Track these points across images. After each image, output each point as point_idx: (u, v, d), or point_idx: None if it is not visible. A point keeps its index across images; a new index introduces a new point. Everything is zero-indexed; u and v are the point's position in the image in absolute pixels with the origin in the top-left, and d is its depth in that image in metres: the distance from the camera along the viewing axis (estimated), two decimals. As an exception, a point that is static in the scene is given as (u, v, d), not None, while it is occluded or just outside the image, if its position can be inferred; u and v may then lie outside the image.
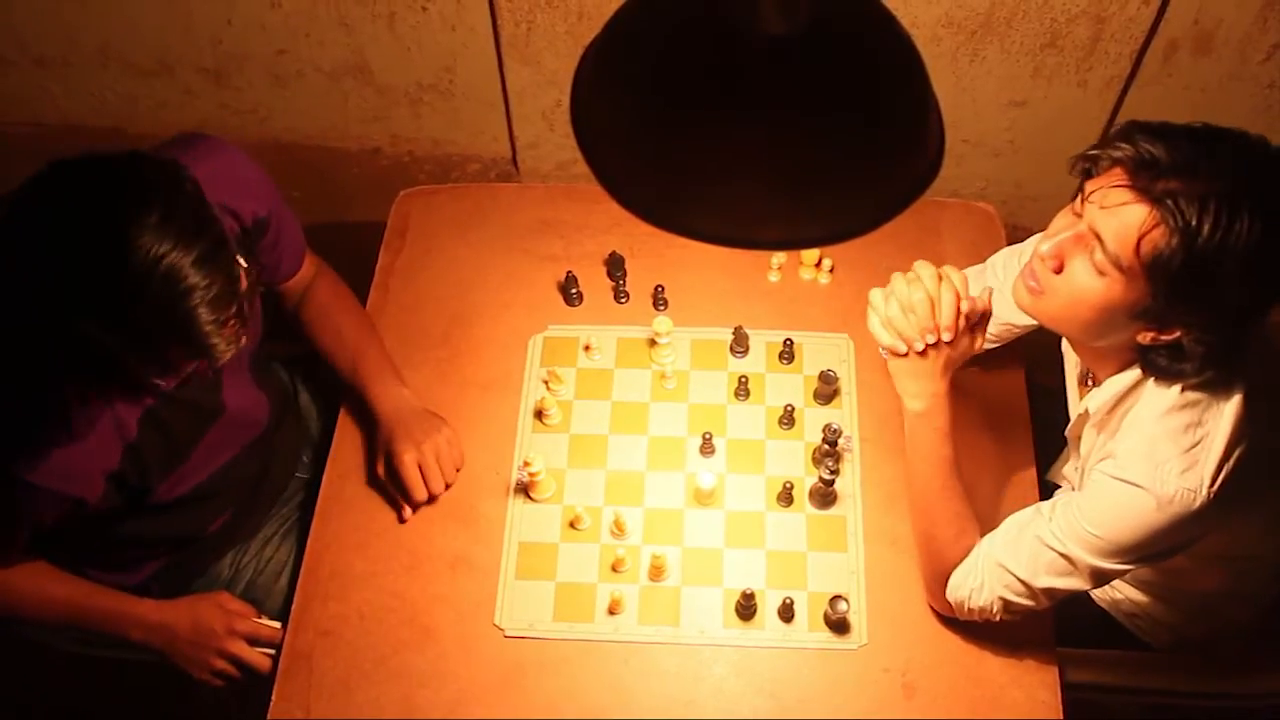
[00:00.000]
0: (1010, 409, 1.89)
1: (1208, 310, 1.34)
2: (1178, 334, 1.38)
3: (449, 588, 1.75)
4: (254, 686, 1.77)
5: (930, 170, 1.07)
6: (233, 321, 1.36)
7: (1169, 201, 1.28)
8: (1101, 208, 1.35)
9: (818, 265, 2.03)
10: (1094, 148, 1.38)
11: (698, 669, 1.69)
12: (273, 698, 1.68)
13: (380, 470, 1.80)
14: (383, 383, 1.85)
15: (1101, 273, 1.37)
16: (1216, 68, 2.29)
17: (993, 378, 1.92)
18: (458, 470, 1.83)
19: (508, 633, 1.71)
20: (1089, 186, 1.38)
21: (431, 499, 1.80)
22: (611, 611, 1.72)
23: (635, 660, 1.69)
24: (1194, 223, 1.27)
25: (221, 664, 1.78)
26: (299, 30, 2.43)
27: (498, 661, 1.69)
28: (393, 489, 1.80)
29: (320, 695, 1.68)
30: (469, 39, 2.39)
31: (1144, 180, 1.31)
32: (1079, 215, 1.40)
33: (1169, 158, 1.30)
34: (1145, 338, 1.41)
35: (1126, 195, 1.32)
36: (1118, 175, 1.34)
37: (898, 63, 1.04)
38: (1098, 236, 1.36)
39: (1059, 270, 1.42)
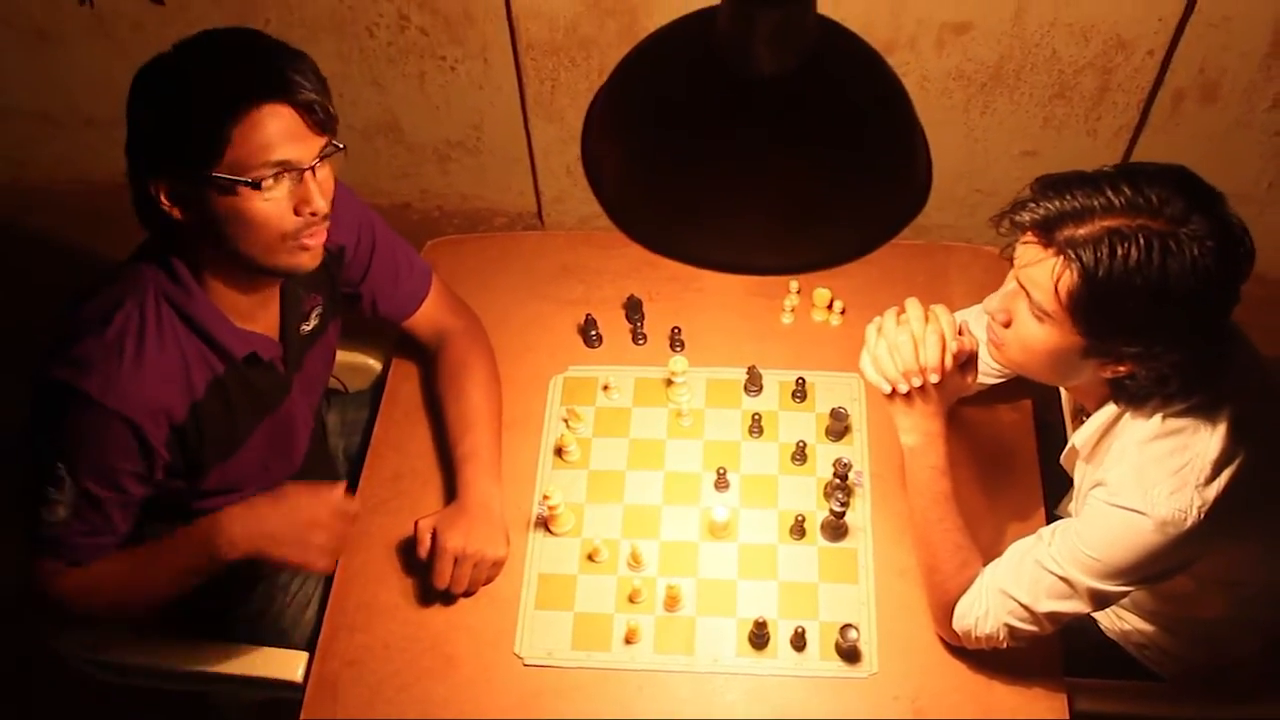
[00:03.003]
0: (1018, 445, 1.94)
1: (1138, 338, 1.43)
2: (1128, 366, 1.47)
3: (471, 617, 1.80)
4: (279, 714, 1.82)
5: (918, 199, 1.14)
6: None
7: (1070, 250, 1.39)
8: (1021, 266, 1.47)
9: (829, 307, 2.09)
10: (1004, 212, 1.48)
11: (712, 697, 1.73)
12: (299, 725, 1.73)
13: (423, 529, 1.79)
14: (481, 470, 1.87)
15: (1040, 320, 1.47)
16: (1223, 116, 2.34)
17: (1001, 414, 1.97)
18: (483, 584, 1.84)
19: (527, 661, 1.76)
20: (1016, 248, 1.50)
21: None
22: (628, 641, 1.76)
23: (651, 688, 1.74)
24: (1091, 262, 1.37)
25: (333, 543, 1.73)
26: (333, 90, 2.50)
27: (517, 689, 1.74)
28: (418, 554, 1.81)
29: (345, 722, 1.73)
30: (496, 97, 2.48)
31: (1048, 234, 1.42)
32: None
33: (1065, 207, 1.41)
34: (1105, 373, 1.50)
35: (1037, 251, 1.44)
36: (1030, 233, 1.45)
37: (885, 99, 1.10)
38: (1026, 291, 1.47)
39: (1008, 324, 1.54)
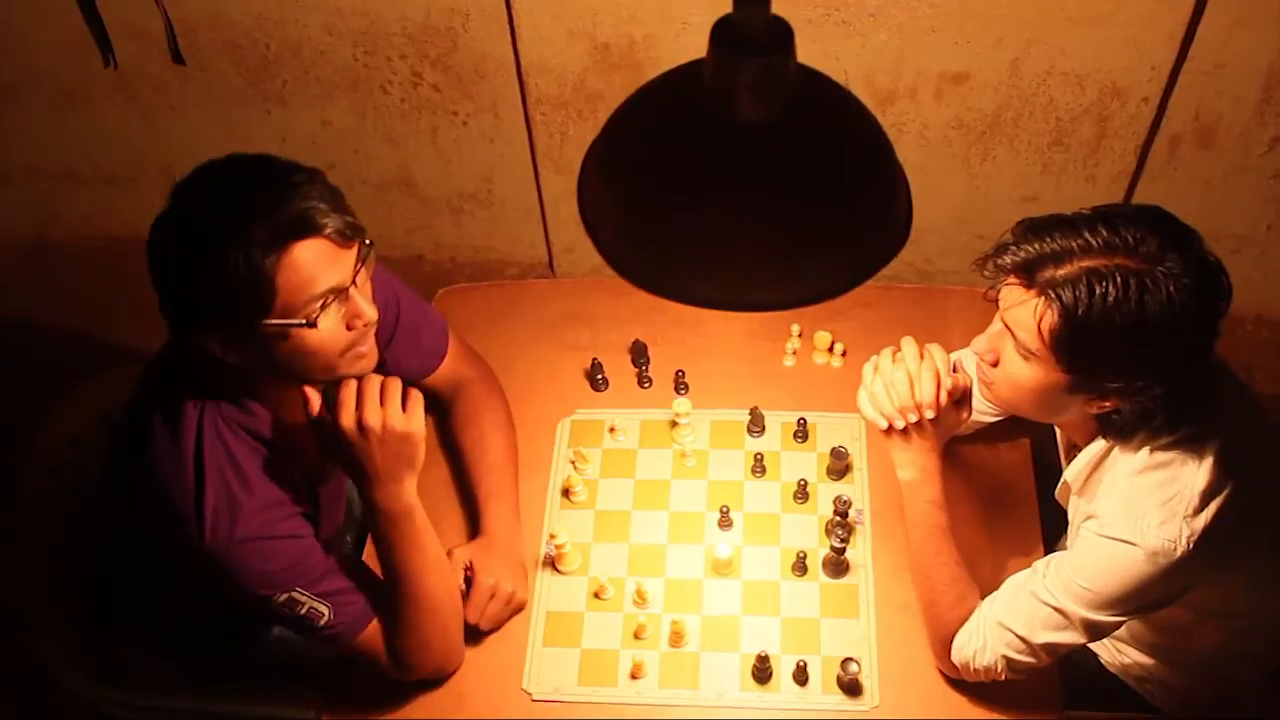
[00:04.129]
0: (1016, 483, 1.97)
1: (1120, 374, 1.47)
2: (1113, 401, 1.51)
3: (480, 655, 1.83)
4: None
5: (900, 236, 1.18)
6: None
7: (1050, 290, 1.44)
8: (1006, 308, 1.52)
9: (830, 350, 2.14)
10: (988, 255, 1.53)
11: (716, 731, 1.76)
12: (314, 760, 1.77)
13: (458, 561, 1.83)
14: (502, 507, 1.92)
15: (1025, 359, 1.52)
16: (1220, 161, 2.38)
17: (1000, 453, 2.01)
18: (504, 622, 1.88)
19: (535, 697, 1.79)
20: (1000, 289, 1.55)
21: None
22: (634, 676, 1.79)
23: (656, 722, 1.77)
24: (1071, 301, 1.42)
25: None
26: (348, 146, 2.61)
27: (525, 724, 1.78)
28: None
29: (359, 757, 1.77)
30: (506, 150, 2.55)
31: (1029, 275, 1.47)
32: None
33: (1044, 250, 1.45)
34: (1092, 408, 1.54)
35: (1020, 293, 1.49)
36: (1012, 276, 1.50)
37: (865, 142, 1.15)
38: (1011, 331, 1.52)
39: (995, 364, 1.59)
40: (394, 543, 1.67)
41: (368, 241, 1.56)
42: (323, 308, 1.51)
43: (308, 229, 1.47)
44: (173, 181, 2.70)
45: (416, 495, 1.67)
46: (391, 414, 1.58)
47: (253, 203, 1.47)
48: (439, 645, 1.76)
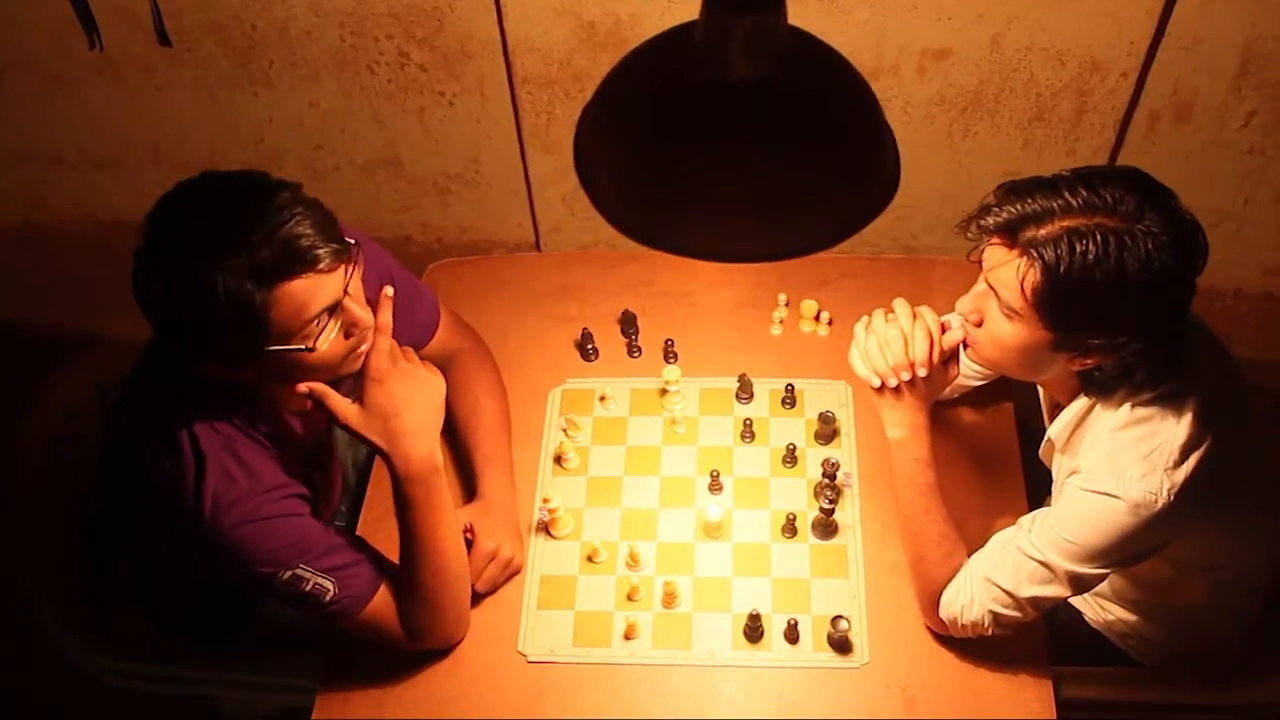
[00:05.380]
0: (1001, 445, 2.01)
1: (1102, 330, 1.51)
2: (1095, 358, 1.55)
3: (475, 618, 1.85)
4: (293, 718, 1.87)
5: (888, 190, 1.21)
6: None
7: (1033, 250, 1.47)
8: (989, 268, 1.55)
9: (816, 318, 2.17)
10: (970, 217, 1.57)
11: (709, 689, 1.79)
12: (311, 723, 1.79)
13: (460, 521, 1.83)
14: (499, 472, 1.94)
15: (1009, 318, 1.55)
16: (1198, 135, 2.40)
17: (984, 416, 2.05)
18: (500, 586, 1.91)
19: (530, 658, 1.82)
20: (983, 251, 1.58)
21: None
22: (627, 637, 1.82)
23: (650, 682, 1.80)
24: (1053, 260, 1.45)
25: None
26: (335, 127, 2.61)
27: (521, 685, 1.80)
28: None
29: (356, 720, 1.79)
30: (493, 130, 2.56)
31: (1012, 236, 1.51)
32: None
33: (1026, 210, 1.49)
34: (1074, 365, 1.57)
35: (1003, 253, 1.53)
36: (995, 237, 1.54)
37: (853, 99, 1.18)
38: (994, 291, 1.55)
39: (979, 324, 1.63)
40: (423, 506, 1.68)
41: (351, 241, 1.55)
42: (320, 328, 1.53)
43: (299, 266, 1.46)
44: (160, 164, 2.72)
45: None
46: (419, 365, 1.65)
47: (239, 240, 1.44)
48: (454, 612, 1.78)
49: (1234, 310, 2.79)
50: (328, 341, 1.54)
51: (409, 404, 1.64)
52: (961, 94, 2.39)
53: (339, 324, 1.56)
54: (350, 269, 1.54)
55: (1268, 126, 2.34)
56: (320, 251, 1.47)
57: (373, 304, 1.63)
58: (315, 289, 1.49)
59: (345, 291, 1.54)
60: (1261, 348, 2.75)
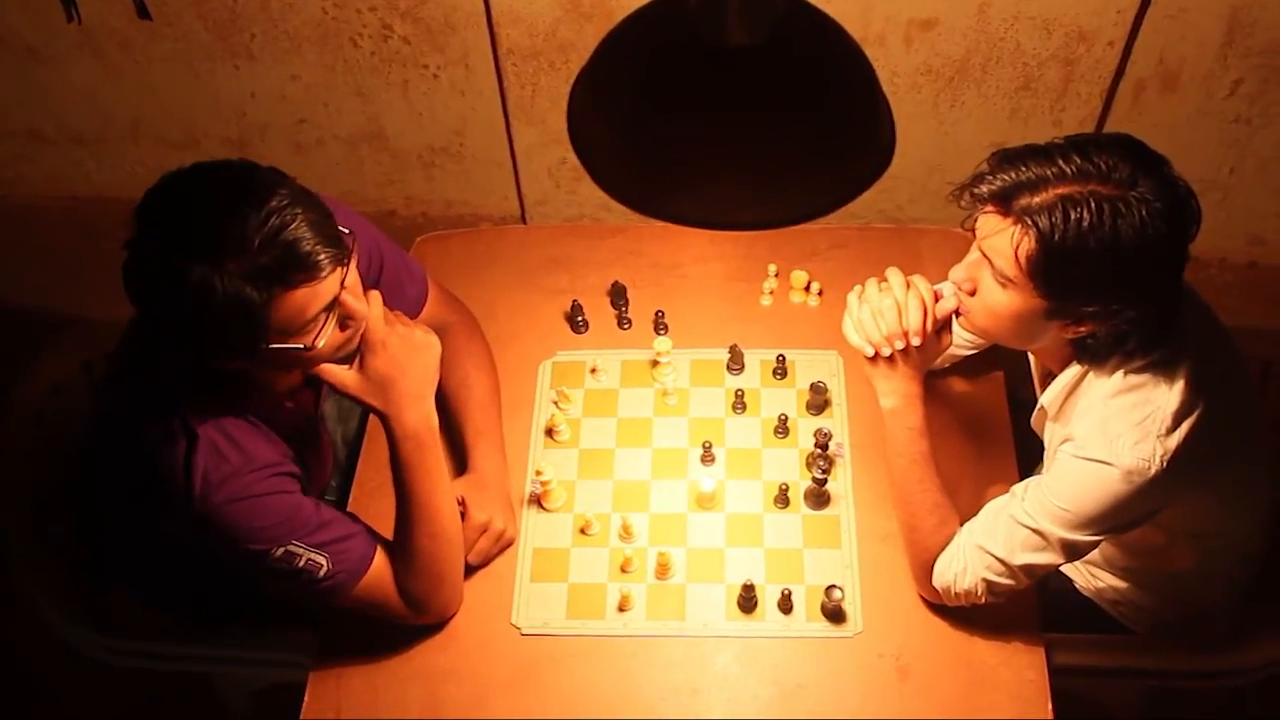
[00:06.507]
0: (992, 415, 2.02)
1: (1095, 298, 1.51)
2: (1088, 325, 1.55)
3: (469, 591, 1.85)
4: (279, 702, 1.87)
5: (883, 158, 1.21)
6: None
7: (1027, 218, 1.47)
8: (983, 236, 1.55)
9: (806, 289, 2.17)
10: (964, 185, 1.56)
11: (703, 659, 1.79)
12: (305, 700, 1.78)
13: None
14: (490, 445, 1.95)
15: (1003, 286, 1.55)
16: (1184, 104, 2.41)
17: (975, 386, 2.05)
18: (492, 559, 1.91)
19: (524, 631, 1.82)
20: (976, 219, 1.58)
21: None
22: (621, 609, 1.83)
23: (644, 653, 1.80)
24: (1047, 227, 1.45)
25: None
26: (317, 100, 2.59)
27: (515, 658, 1.80)
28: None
29: (349, 695, 1.78)
30: (478, 103, 2.54)
31: (1005, 204, 1.50)
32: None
33: (1020, 178, 1.48)
34: (1067, 333, 1.57)
35: (997, 221, 1.52)
36: (989, 205, 1.53)
37: (848, 67, 1.18)
38: (988, 259, 1.55)
39: (973, 292, 1.62)
40: (421, 469, 1.69)
41: (346, 230, 1.54)
42: (318, 326, 1.52)
43: (301, 275, 1.45)
44: (141, 140, 2.69)
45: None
46: (414, 328, 1.66)
47: (238, 242, 1.41)
48: (451, 580, 1.78)
49: (1219, 279, 2.80)
50: (325, 338, 1.54)
51: (407, 367, 1.65)
52: (948, 64, 2.39)
53: (336, 315, 1.55)
54: (347, 265, 1.53)
55: (1253, 95, 2.34)
56: (321, 259, 1.46)
57: (364, 280, 1.62)
58: (314, 294, 1.49)
59: (342, 286, 1.53)
60: (1247, 316, 2.76)
